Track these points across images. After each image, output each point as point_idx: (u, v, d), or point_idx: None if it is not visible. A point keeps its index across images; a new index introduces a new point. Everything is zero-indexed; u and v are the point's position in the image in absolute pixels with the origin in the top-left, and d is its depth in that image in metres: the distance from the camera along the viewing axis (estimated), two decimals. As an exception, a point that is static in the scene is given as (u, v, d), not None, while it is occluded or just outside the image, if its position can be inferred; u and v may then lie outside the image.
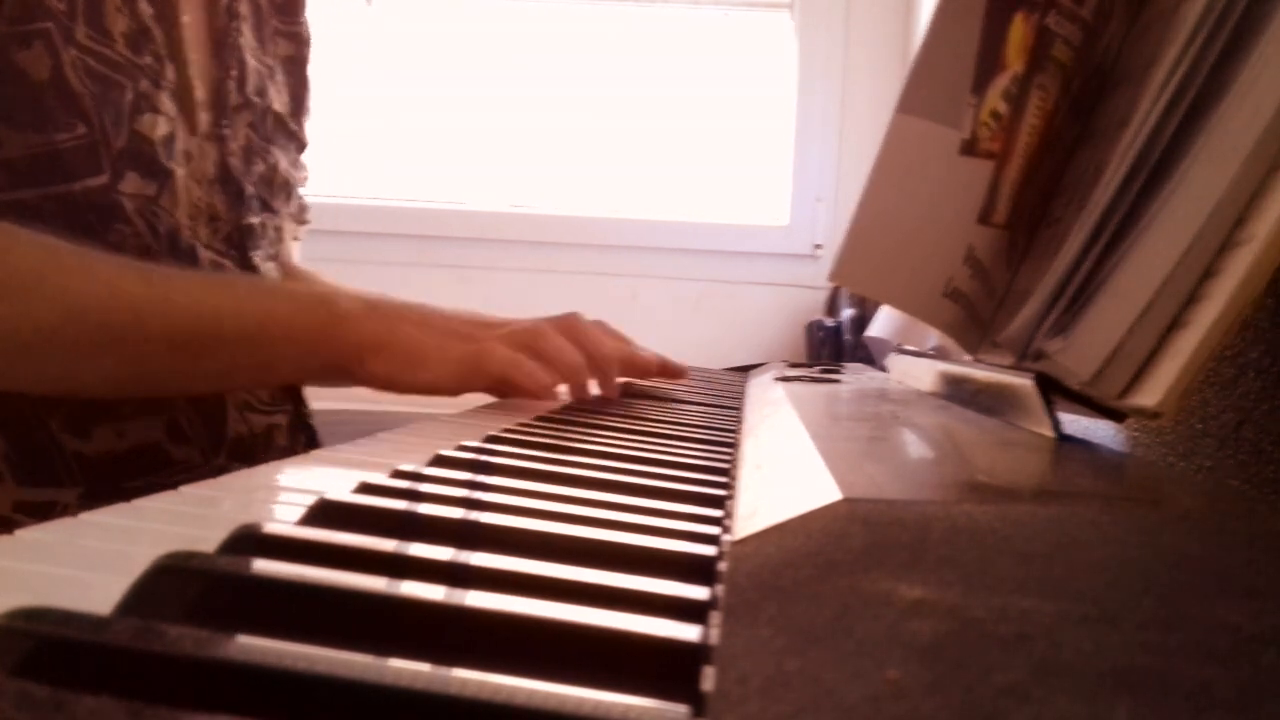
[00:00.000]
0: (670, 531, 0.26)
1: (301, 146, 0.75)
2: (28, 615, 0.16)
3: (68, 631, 0.15)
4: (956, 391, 0.50)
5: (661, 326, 1.67)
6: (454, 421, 0.50)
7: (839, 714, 0.12)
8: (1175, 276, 0.29)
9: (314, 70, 0.77)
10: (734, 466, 0.37)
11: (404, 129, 1.83)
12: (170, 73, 0.58)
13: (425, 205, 1.76)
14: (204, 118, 0.61)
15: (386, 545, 0.22)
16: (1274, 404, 0.29)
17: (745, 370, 1.10)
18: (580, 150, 1.83)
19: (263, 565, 0.20)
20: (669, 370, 0.73)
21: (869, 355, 1.18)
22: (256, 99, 0.67)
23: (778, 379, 0.71)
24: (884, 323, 1.12)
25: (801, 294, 1.69)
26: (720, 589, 0.19)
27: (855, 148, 1.68)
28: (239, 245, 0.64)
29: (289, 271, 0.78)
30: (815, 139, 1.72)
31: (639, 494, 0.31)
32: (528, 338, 0.59)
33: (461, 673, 0.16)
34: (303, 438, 0.69)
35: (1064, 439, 0.34)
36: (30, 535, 0.23)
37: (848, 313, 1.47)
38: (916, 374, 0.65)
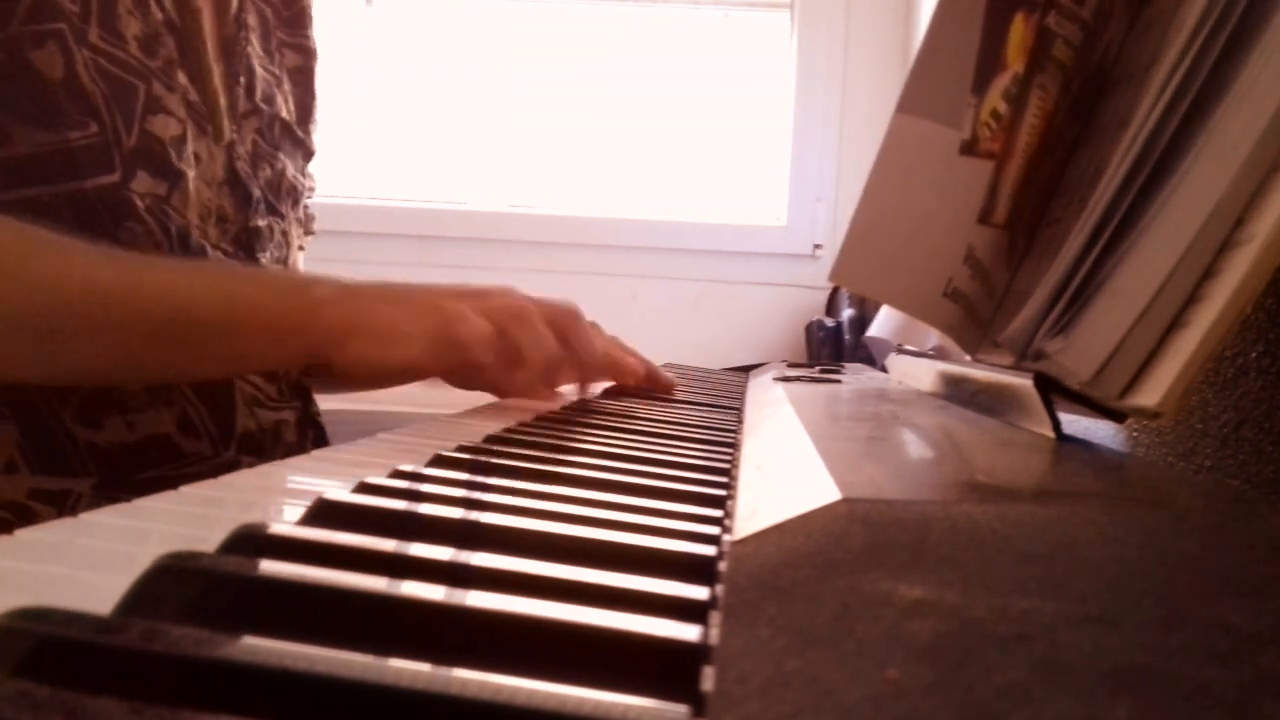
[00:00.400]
0: (670, 531, 0.26)
1: (309, 154, 0.76)
2: (28, 615, 0.16)
3: (68, 631, 0.15)
4: (956, 391, 0.50)
5: (661, 326, 1.67)
6: (454, 421, 0.50)
7: (839, 714, 0.12)
8: (1175, 276, 0.29)
9: (317, 80, 0.78)
10: (734, 466, 0.37)
11: (404, 129, 1.83)
12: (181, 77, 0.59)
13: (425, 205, 1.76)
14: (213, 120, 0.62)
15: (386, 545, 0.22)
16: (1274, 404, 0.29)
17: (745, 370, 1.10)
18: (580, 150, 1.83)
19: (263, 565, 0.20)
20: (657, 382, 0.71)
21: (869, 355, 1.18)
22: (264, 106, 0.68)
23: (778, 379, 0.71)
24: (884, 323, 1.12)
25: (801, 294, 1.69)
26: (720, 589, 0.19)
27: (855, 148, 1.68)
28: (247, 246, 0.64)
29: None
30: (815, 139, 1.72)
31: (639, 494, 0.31)
32: (506, 316, 0.56)
33: (461, 673, 0.16)
34: (311, 434, 0.70)
35: (1064, 439, 0.34)
36: (30, 535, 0.23)
37: (848, 313, 1.48)
38: (916, 374, 0.65)
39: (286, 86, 0.73)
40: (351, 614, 0.18)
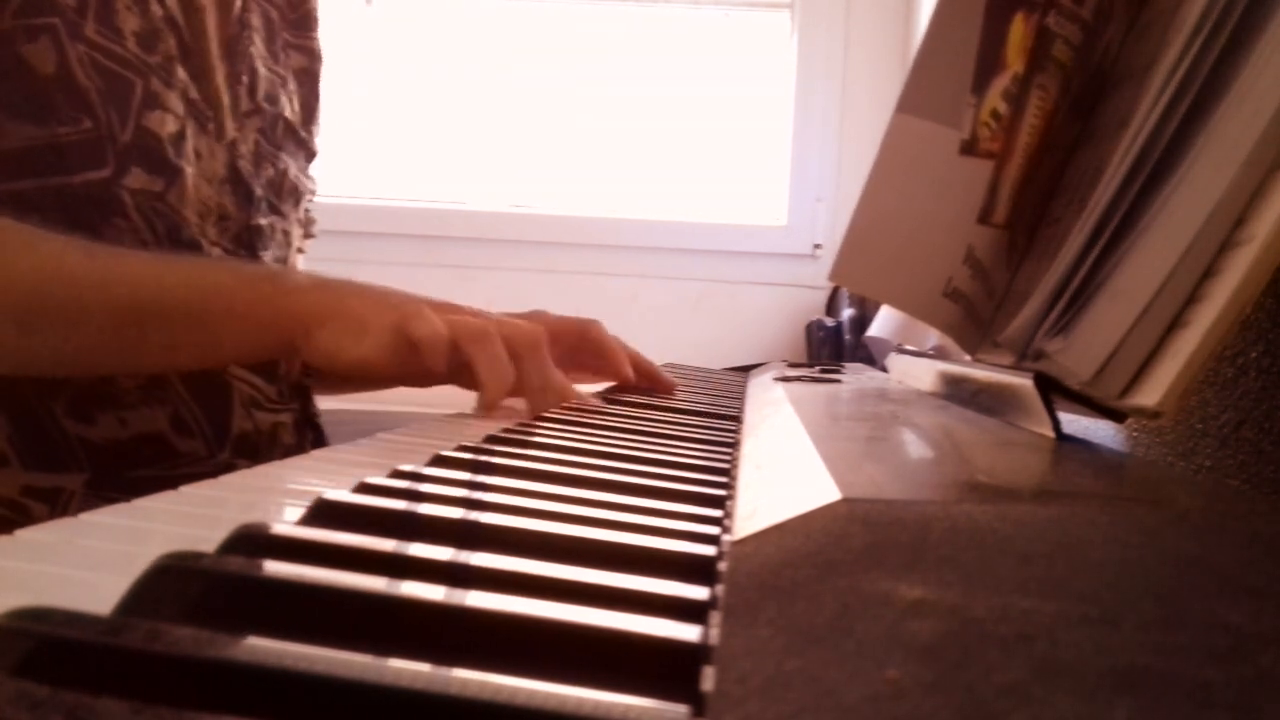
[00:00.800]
0: (670, 531, 0.26)
1: (311, 156, 0.76)
2: (28, 615, 0.16)
3: (68, 631, 0.15)
4: (956, 391, 0.50)
5: (661, 326, 1.67)
6: (454, 421, 0.50)
7: (839, 714, 0.12)
8: (1175, 276, 0.29)
9: (324, 83, 0.78)
10: (734, 466, 0.37)
11: (404, 129, 1.83)
12: (181, 73, 0.59)
13: (426, 205, 1.76)
14: (215, 118, 0.62)
15: (386, 545, 0.22)
16: (1274, 404, 0.29)
17: (745, 370, 1.10)
18: (581, 150, 1.83)
19: (263, 565, 0.20)
20: (658, 382, 0.70)
21: (869, 355, 1.18)
22: (267, 105, 0.68)
23: (778, 379, 0.71)
24: (884, 323, 1.12)
25: (801, 294, 1.69)
26: (720, 589, 0.19)
27: (855, 148, 1.68)
28: (248, 245, 0.64)
29: None
30: (815, 139, 1.72)
31: (639, 494, 0.31)
32: (465, 330, 0.54)
33: (461, 673, 0.16)
34: (310, 435, 0.70)
35: (1064, 439, 0.34)
36: (30, 535, 0.23)
37: (848, 313, 1.48)
38: (916, 374, 0.65)
39: (292, 87, 0.73)
40: (351, 614, 0.18)
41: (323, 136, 0.80)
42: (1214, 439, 0.32)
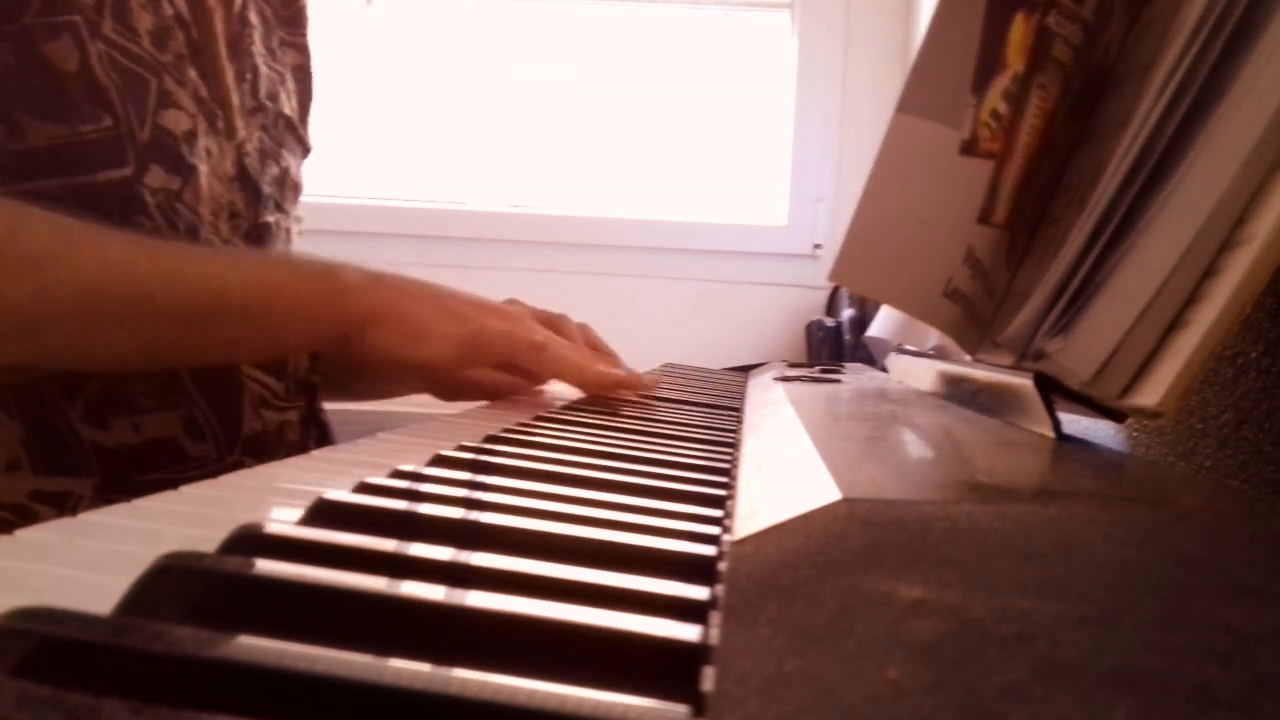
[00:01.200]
0: (670, 531, 0.26)
1: (306, 152, 0.76)
2: (28, 615, 0.16)
3: (68, 631, 0.15)
4: (956, 391, 0.50)
5: (661, 326, 1.67)
6: (454, 421, 0.50)
7: (839, 714, 0.12)
8: (1175, 276, 0.29)
9: (315, 75, 0.78)
10: (734, 466, 0.37)
11: (404, 129, 1.83)
12: (191, 72, 0.59)
13: (426, 205, 1.76)
14: (225, 117, 0.62)
15: (386, 545, 0.22)
16: (1274, 404, 0.29)
17: (745, 370, 1.10)
18: (580, 150, 1.83)
19: (263, 565, 0.20)
20: (634, 389, 0.72)
21: (869, 355, 1.18)
22: (268, 103, 0.68)
23: (778, 379, 0.71)
24: (884, 323, 1.12)
25: (801, 294, 1.69)
26: (720, 589, 0.19)
27: (855, 148, 1.68)
28: (258, 242, 0.65)
29: None
30: (815, 139, 1.72)
31: (639, 494, 0.31)
32: (525, 329, 0.61)
33: (461, 673, 0.16)
34: (315, 433, 0.70)
35: (1064, 439, 0.34)
36: (30, 535, 0.23)
37: (848, 313, 1.48)
38: (916, 374, 0.65)
39: (290, 85, 0.73)
40: (351, 614, 0.18)
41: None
42: (1214, 439, 0.32)
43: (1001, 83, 0.43)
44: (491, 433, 0.43)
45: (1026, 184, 0.45)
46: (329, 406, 0.73)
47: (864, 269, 0.46)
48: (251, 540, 0.22)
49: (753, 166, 1.81)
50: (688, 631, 0.18)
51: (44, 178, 0.52)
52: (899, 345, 0.88)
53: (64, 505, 0.54)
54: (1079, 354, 0.32)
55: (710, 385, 0.83)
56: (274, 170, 0.68)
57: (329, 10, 1.69)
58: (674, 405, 0.64)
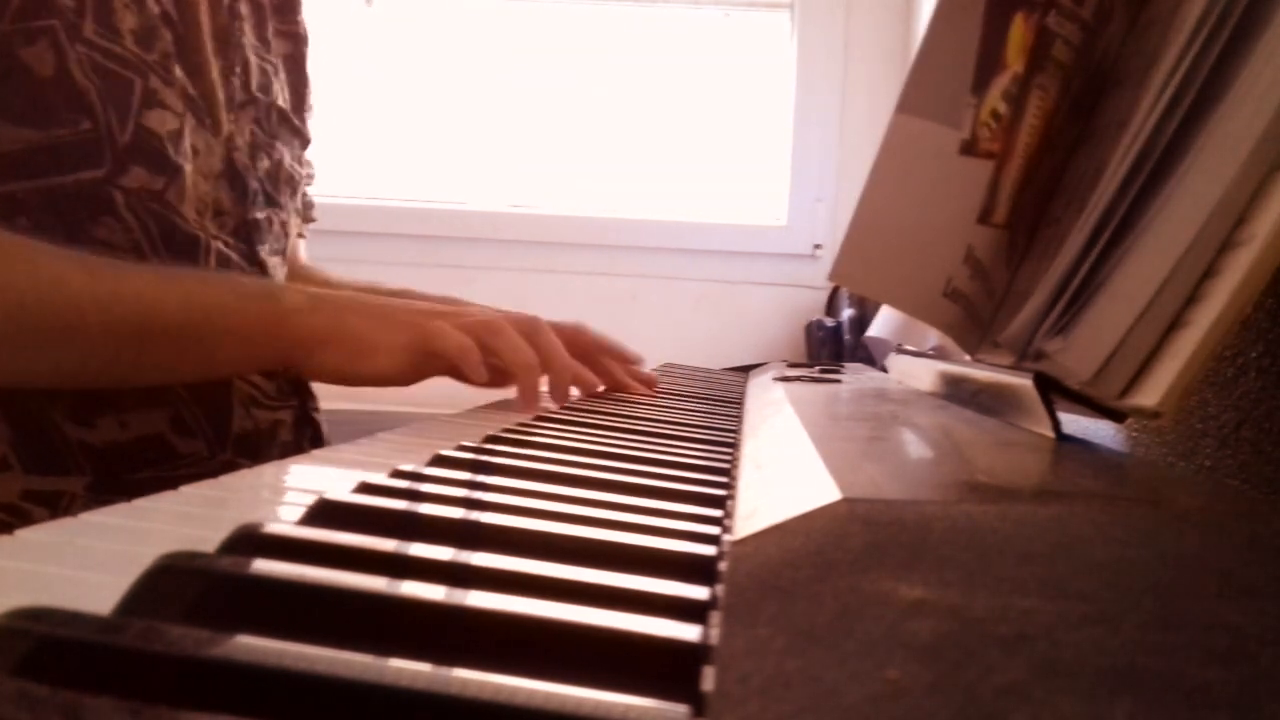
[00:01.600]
0: (670, 531, 0.26)
1: (305, 142, 0.76)
2: (28, 615, 0.16)
3: (68, 631, 0.15)
4: (956, 391, 0.50)
5: (661, 326, 1.67)
6: (454, 421, 0.50)
7: (839, 714, 0.12)
8: (1175, 276, 0.29)
9: (314, 68, 0.78)
10: (734, 466, 0.37)
11: (404, 129, 1.83)
12: (179, 70, 0.59)
13: (426, 205, 1.76)
14: (211, 113, 0.62)
15: (386, 545, 0.22)
16: (1274, 404, 0.29)
17: (745, 370, 1.10)
18: (580, 150, 1.83)
19: (263, 565, 0.20)
20: (634, 387, 0.71)
21: (869, 355, 1.18)
22: (260, 95, 0.67)
23: (778, 379, 0.71)
24: (884, 323, 1.12)
25: (801, 294, 1.69)
26: (720, 589, 0.19)
27: (855, 148, 1.68)
28: (246, 239, 0.64)
29: (295, 268, 0.78)
30: (815, 139, 1.72)
31: (639, 494, 0.31)
32: (480, 329, 0.58)
33: (461, 673, 0.16)
34: (308, 433, 0.70)
35: (1064, 439, 0.34)
36: (30, 535, 0.23)
37: (848, 313, 1.47)
38: (916, 374, 0.65)
39: (281, 75, 0.73)
40: (351, 614, 0.18)
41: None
42: (1214, 439, 0.32)
43: (1001, 83, 0.43)
44: (491, 433, 0.43)
45: (1026, 184, 0.45)
46: (329, 405, 0.73)
47: (864, 269, 0.46)
48: (251, 540, 0.22)
49: (752, 167, 1.81)
50: (688, 631, 0.18)
51: (13, 181, 0.52)
52: (899, 345, 0.88)
53: (57, 505, 0.54)
54: (1079, 354, 0.32)
55: (710, 385, 0.83)
56: (266, 164, 0.67)
57: (329, 10, 1.69)
58: (674, 405, 0.64)
